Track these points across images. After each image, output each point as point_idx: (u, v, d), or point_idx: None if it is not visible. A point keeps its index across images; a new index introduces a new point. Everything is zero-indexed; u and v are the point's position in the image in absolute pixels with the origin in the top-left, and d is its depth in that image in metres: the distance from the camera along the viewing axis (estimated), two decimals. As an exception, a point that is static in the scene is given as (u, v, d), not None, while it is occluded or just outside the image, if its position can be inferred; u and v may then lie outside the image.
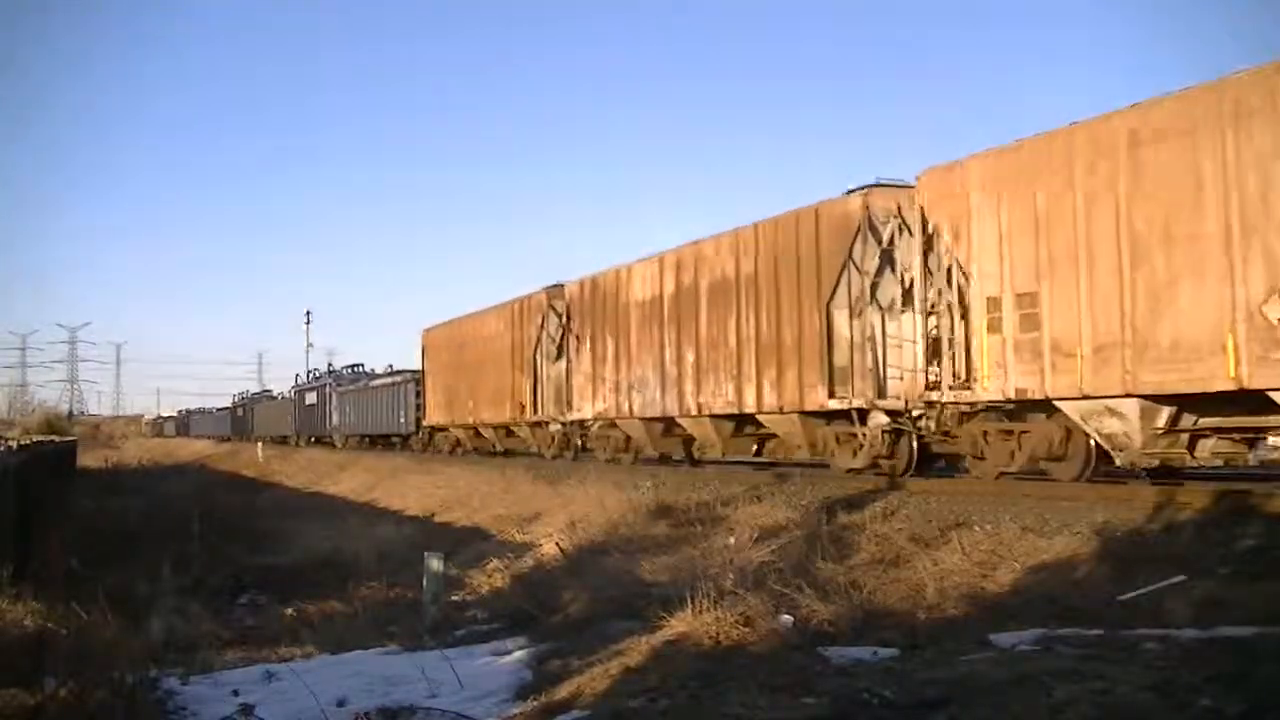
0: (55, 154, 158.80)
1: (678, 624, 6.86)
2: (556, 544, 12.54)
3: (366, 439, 40.12)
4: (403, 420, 34.31)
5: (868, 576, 8.42)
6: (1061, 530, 8.94)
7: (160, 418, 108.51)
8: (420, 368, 31.59)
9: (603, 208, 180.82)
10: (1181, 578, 7.16)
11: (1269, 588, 6.68)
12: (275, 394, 67.78)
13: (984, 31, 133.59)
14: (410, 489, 23.39)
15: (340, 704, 6.46)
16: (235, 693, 7.06)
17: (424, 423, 31.12)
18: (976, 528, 9.55)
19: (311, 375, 52.06)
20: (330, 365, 49.06)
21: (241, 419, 68.23)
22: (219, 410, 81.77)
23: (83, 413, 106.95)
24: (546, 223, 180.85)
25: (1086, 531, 8.74)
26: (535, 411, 22.81)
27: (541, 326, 22.55)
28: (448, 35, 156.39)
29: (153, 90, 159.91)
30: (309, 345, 71.21)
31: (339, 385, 44.57)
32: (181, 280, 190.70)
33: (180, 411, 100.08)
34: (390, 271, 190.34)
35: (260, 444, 49.87)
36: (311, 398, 48.71)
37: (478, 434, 27.54)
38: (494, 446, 26.80)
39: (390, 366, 43.10)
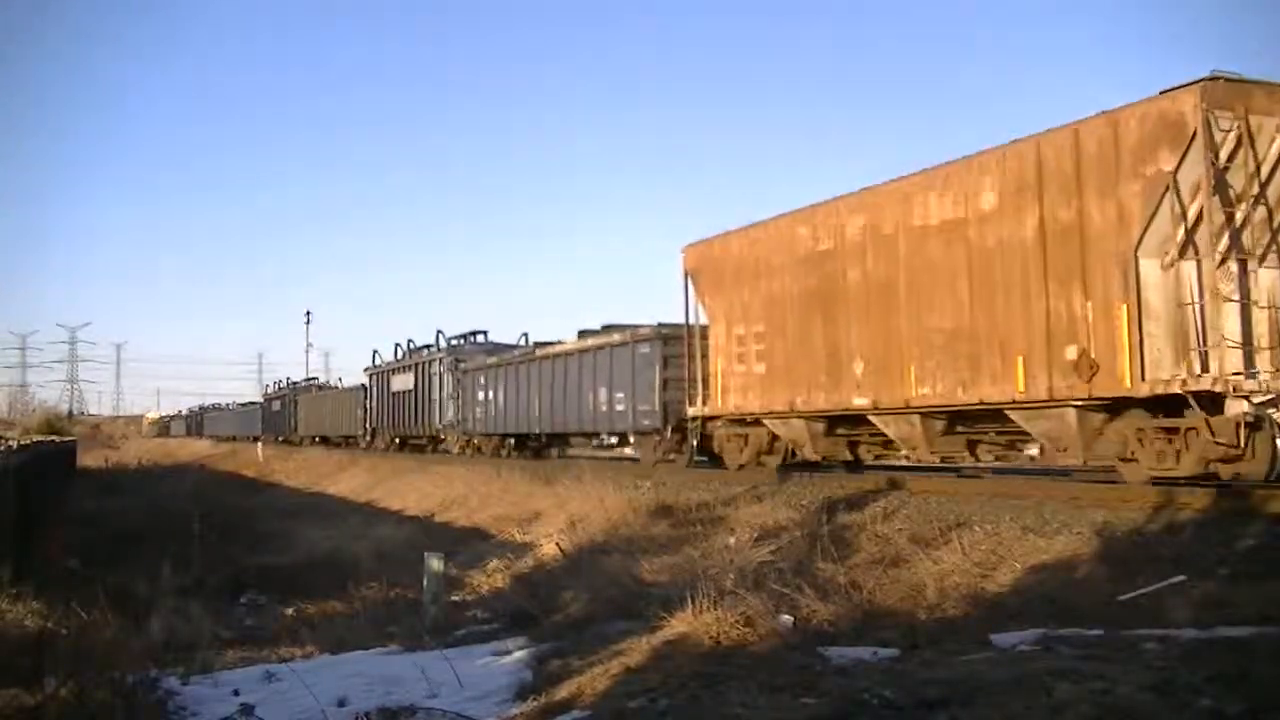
0: (55, 153, 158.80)
1: (678, 624, 6.86)
2: (556, 544, 12.55)
3: (512, 441, 26.19)
4: (628, 408, 19.58)
5: (868, 576, 8.42)
6: (1061, 530, 8.96)
7: (167, 416, 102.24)
8: (686, 319, 17.34)
9: (601, 212, 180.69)
10: (1181, 578, 7.17)
11: (1269, 588, 6.69)
12: (325, 382, 55.79)
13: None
14: (409, 489, 23.40)
15: (340, 704, 6.47)
16: (235, 693, 7.08)
17: (694, 412, 17.01)
18: (977, 528, 9.56)
19: (404, 349, 35.25)
20: (440, 334, 32.24)
21: (279, 414, 54.85)
22: (245, 405, 70.17)
23: (83, 413, 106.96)
24: (547, 223, 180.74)
25: (1086, 531, 8.75)
26: (1140, 375, 10.25)
27: (1166, 188, 10.04)
28: (449, 35, 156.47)
29: (154, 90, 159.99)
30: (309, 345, 71.26)
31: (460, 361, 29.10)
32: (181, 280, 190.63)
33: (192, 408, 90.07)
34: (391, 272, 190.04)
35: (260, 444, 49.06)
36: (403, 381, 33.81)
37: (832, 430, 14.79)
38: (917, 453, 13.63)
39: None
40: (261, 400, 62.73)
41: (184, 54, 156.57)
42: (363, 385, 39.99)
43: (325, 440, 45.86)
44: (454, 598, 11.04)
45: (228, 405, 77.21)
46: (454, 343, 31.45)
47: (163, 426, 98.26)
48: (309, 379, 58.15)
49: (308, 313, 66.76)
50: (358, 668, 7.73)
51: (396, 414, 34.73)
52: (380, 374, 37.17)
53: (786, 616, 6.94)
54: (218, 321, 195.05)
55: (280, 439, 53.09)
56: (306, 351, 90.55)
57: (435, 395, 30.76)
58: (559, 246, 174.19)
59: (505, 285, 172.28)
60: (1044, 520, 9.36)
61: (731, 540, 10.49)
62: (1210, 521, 8.59)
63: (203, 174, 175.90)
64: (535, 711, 5.96)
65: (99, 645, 7.70)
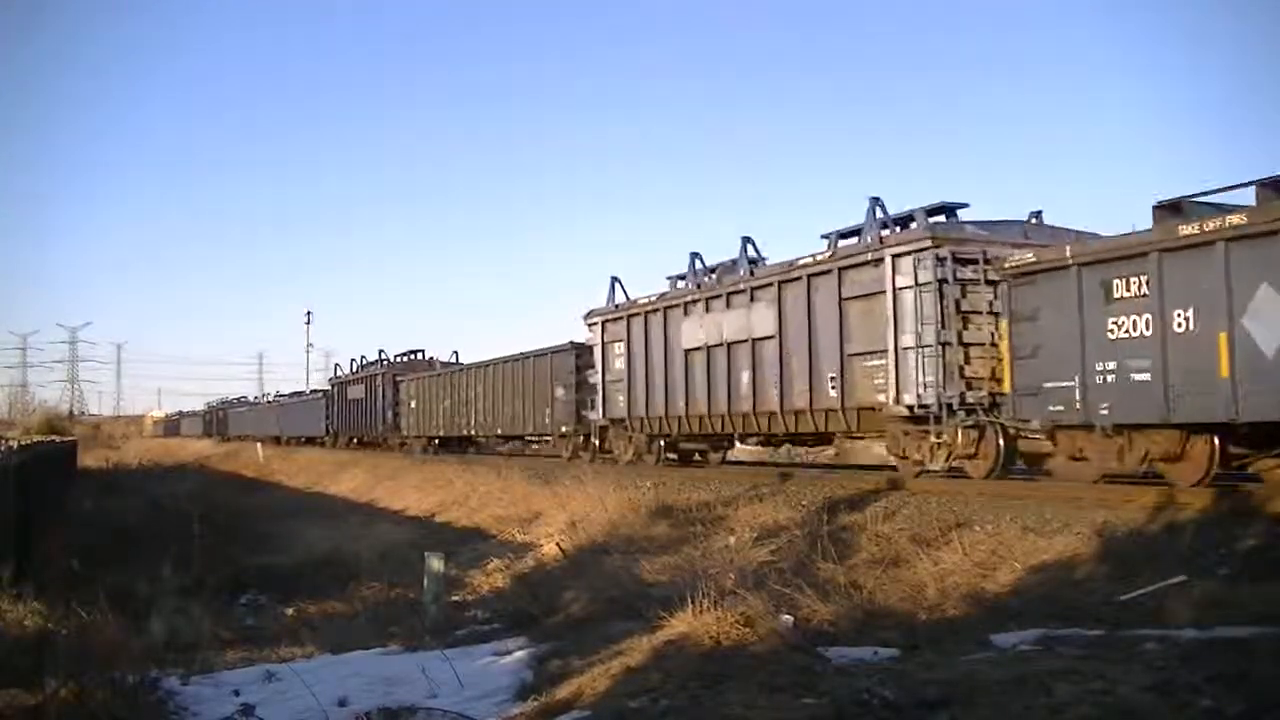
0: (55, 153, 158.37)
1: (678, 624, 6.86)
2: (557, 544, 12.55)
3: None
4: None
5: (868, 576, 8.43)
6: (1062, 530, 8.96)
7: (176, 414, 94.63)
8: None
9: (594, 216, 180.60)
10: (1181, 578, 7.17)
11: (1269, 588, 6.68)
12: (432, 358, 36.39)
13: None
14: (409, 489, 23.40)
15: (341, 704, 6.48)
16: (236, 693, 7.08)
17: None
18: (977, 528, 9.56)
19: (695, 272, 17.80)
20: (877, 203, 13.57)
21: (359, 407, 38.15)
22: (295, 397, 54.12)
23: (83, 413, 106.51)
24: (546, 225, 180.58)
25: (1087, 531, 8.75)
26: None
27: None
28: (449, 34, 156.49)
29: (154, 90, 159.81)
30: (309, 345, 71.18)
31: (962, 259, 12.36)
32: (181, 280, 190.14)
33: (210, 404, 77.54)
34: (390, 273, 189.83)
35: (260, 444, 48.71)
36: (720, 324, 16.60)
37: None
38: None
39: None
40: (329, 386, 44.45)
41: (183, 52, 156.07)
42: (573, 345, 22.55)
43: (461, 445, 29.08)
44: (454, 598, 11.05)
45: (262, 400, 64.68)
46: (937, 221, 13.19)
47: (170, 426, 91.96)
48: (410, 351, 37.42)
49: (308, 313, 66.34)
50: (358, 668, 7.74)
51: (676, 394, 17.85)
52: (630, 319, 19.30)
53: (787, 616, 6.94)
54: (218, 321, 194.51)
55: (355, 441, 37.59)
56: (307, 351, 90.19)
57: (868, 342, 13.65)
58: (560, 244, 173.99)
59: (504, 284, 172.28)
60: (1044, 520, 9.36)
61: (732, 540, 10.51)
62: (1210, 521, 8.59)
63: (203, 173, 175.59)
64: (535, 711, 5.97)
65: (99, 645, 7.70)
